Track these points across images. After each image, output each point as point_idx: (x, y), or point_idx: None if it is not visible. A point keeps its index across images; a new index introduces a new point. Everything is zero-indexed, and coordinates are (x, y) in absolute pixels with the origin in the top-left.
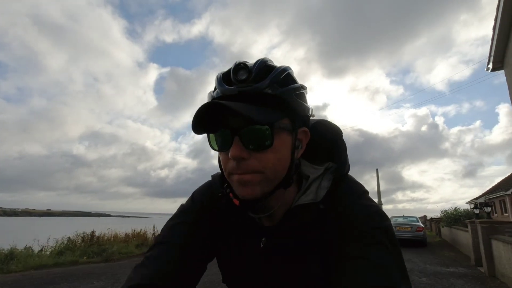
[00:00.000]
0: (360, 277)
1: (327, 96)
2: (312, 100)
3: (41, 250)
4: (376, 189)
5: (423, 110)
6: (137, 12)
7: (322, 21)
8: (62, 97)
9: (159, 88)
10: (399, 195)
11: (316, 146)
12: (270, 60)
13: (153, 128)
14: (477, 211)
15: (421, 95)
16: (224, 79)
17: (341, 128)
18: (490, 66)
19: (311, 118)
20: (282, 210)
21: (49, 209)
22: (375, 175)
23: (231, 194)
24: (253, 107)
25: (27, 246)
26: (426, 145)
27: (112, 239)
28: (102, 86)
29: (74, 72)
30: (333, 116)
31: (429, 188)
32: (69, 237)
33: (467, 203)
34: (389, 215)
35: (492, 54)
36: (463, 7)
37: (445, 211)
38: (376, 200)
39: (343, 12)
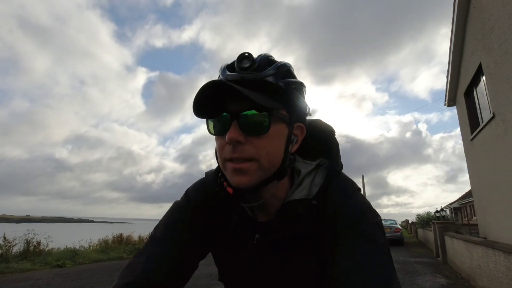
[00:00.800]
0: (354, 275)
1: (315, 102)
2: None
3: (89, 248)
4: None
5: (407, 117)
6: (127, 16)
7: (311, 31)
8: (46, 99)
9: (147, 92)
10: (385, 200)
11: (309, 143)
12: (272, 56)
13: (140, 132)
14: (438, 214)
15: (405, 102)
16: (228, 68)
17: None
18: (446, 102)
19: (307, 117)
20: (275, 205)
21: (28, 215)
22: (361, 180)
23: (225, 183)
24: (254, 93)
25: (80, 246)
26: (410, 151)
27: (137, 239)
28: (89, 89)
29: (59, 75)
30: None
31: (413, 193)
32: (102, 239)
33: (443, 207)
34: None
35: (447, 94)
36: (443, 22)
37: (419, 215)
38: None
39: (331, 23)
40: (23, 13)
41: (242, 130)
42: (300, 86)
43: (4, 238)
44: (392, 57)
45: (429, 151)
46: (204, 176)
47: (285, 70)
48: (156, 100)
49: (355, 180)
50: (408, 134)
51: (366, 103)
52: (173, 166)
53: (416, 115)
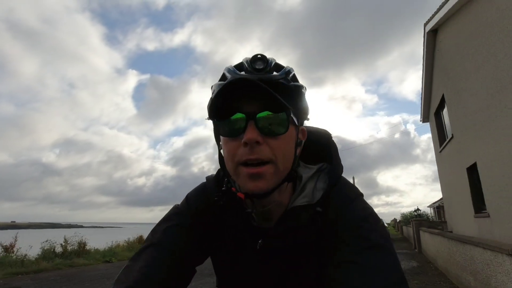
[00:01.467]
0: (357, 282)
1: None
2: None
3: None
4: None
5: (396, 118)
6: (119, 20)
7: (302, 35)
8: (34, 103)
9: (139, 95)
10: (375, 200)
11: (308, 148)
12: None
13: (131, 135)
14: (415, 213)
15: (394, 103)
16: (237, 68)
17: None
18: (421, 119)
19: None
20: (278, 211)
21: (14, 221)
22: (352, 181)
23: (233, 189)
24: (277, 94)
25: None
26: (399, 151)
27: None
28: (78, 93)
29: (48, 78)
30: (312, 123)
31: (402, 193)
32: (125, 240)
33: (428, 206)
34: None
35: (422, 112)
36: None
37: (403, 214)
38: None
39: (322, 28)
40: (11, 16)
41: (260, 131)
42: (304, 90)
43: (65, 240)
44: (381, 60)
45: (418, 151)
46: (205, 180)
47: (293, 74)
48: (148, 103)
49: None
50: (397, 135)
51: (356, 105)
52: (164, 169)
53: (405, 116)
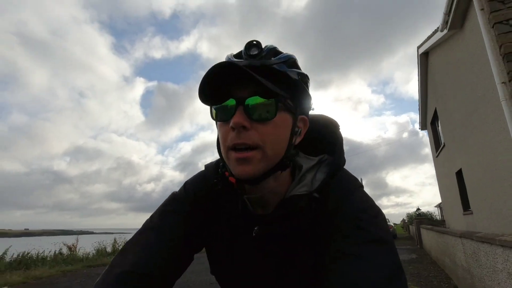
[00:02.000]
0: (356, 274)
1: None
2: None
3: None
4: None
5: (403, 118)
6: (126, 30)
7: (306, 39)
8: (45, 113)
9: (146, 102)
10: (384, 201)
11: (312, 138)
12: (278, 48)
13: (139, 142)
14: (417, 212)
15: (401, 103)
16: (235, 56)
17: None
18: (420, 127)
19: (310, 111)
20: (276, 200)
21: (27, 229)
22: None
23: (226, 173)
24: (263, 78)
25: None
26: (407, 151)
27: None
28: (87, 101)
29: (58, 88)
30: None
31: (412, 193)
32: None
33: (435, 206)
34: None
35: (420, 121)
36: (434, 24)
37: (408, 213)
38: None
39: (325, 32)
40: (23, 29)
41: (248, 116)
42: (305, 78)
43: (115, 240)
44: (386, 61)
45: (426, 150)
46: (204, 169)
47: (292, 61)
48: (155, 110)
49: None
50: (405, 135)
51: (363, 106)
52: (172, 175)
53: (412, 115)
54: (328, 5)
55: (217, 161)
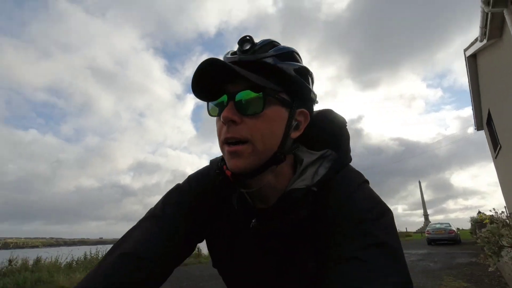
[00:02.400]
0: (359, 280)
1: (361, 108)
2: (346, 113)
3: None
4: (420, 200)
5: (466, 111)
6: (176, 52)
7: (350, 41)
8: (112, 134)
9: (197, 117)
10: (451, 204)
11: (317, 133)
12: (278, 42)
13: (192, 155)
14: (477, 215)
15: (463, 95)
16: (231, 52)
17: (378, 137)
18: (475, 127)
19: (315, 105)
20: (276, 194)
21: (101, 238)
22: (418, 186)
23: (224, 167)
24: (251, 73)
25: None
26: (474, 148)
27: None
28: (146, 120)
29: (121, 111)
30: (369, 127)
31: (484, 194)
32: None
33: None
34: (433, 224)
35: (475, 122)
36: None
37: (472, 217)
38: (421, 212)
39: (370, 31)
40: (94, 63)
41: (238, 110)
42: (304, 71)
43: None
44: (442, 52)
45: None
46: (209, 164)
47: (287, 54)
48: (205, 123)
49: (413, 185)
50: (470, 130)
51: (417, 102)
52: None
53: None
54: (371, 1)
55: (222, 156)
